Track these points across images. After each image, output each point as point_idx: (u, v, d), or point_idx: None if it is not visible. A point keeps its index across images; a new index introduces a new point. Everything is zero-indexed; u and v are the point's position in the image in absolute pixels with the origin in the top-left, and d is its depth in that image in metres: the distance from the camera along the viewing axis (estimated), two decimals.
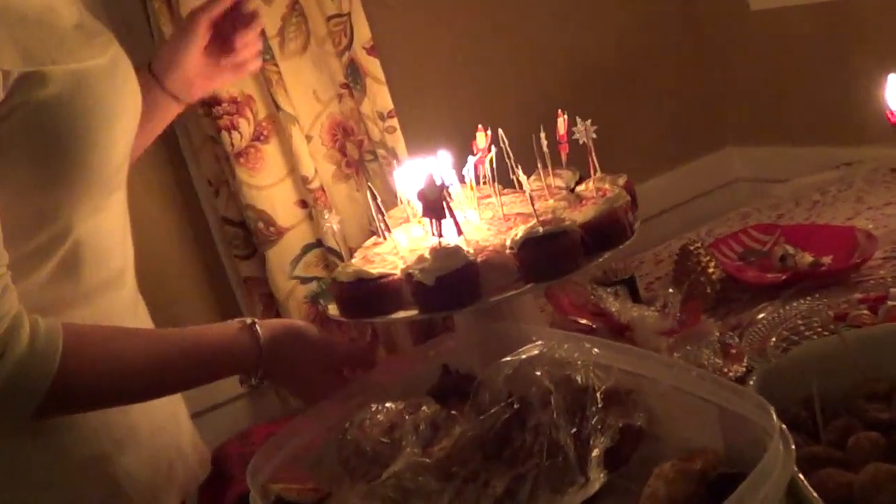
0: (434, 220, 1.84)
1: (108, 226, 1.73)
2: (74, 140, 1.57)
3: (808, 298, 2.12)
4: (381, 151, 2.65)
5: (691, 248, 2.31)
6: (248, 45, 2.02)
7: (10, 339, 1.44)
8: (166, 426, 1.87)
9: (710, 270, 2.26)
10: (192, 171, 2.68)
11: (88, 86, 1.59)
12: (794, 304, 2.11)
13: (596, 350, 1.60)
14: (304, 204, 2.59)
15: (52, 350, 1.47)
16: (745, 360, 1.88)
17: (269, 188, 2.55)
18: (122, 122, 1.68)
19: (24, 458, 1.64)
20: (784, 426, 1.31)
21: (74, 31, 1.64)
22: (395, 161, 2.59)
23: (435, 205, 1.83)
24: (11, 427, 1.60)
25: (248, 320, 1.74)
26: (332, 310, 1.97)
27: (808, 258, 2.31)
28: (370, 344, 2.01)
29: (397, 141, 2.64)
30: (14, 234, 1.55)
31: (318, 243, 2.61)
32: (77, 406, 1.60)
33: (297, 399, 1.95)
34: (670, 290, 2.04)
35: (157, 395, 1.74)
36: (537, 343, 1.62)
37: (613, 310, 2.01)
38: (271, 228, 2.54)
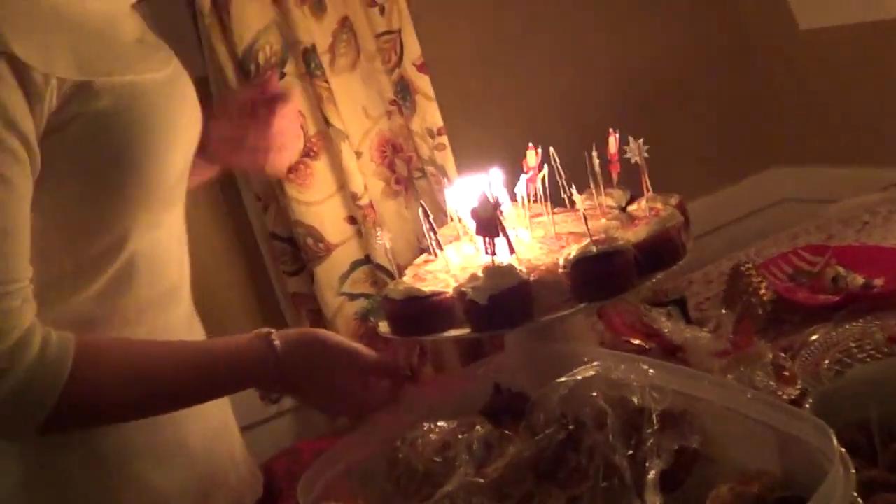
0: (487, 239, 1.83)
1: (164, 240, 1.73)
2: (131, 151, 1.56)
3: (861, 321, 2.11)
4: (430, 168, 2.65)
5: (742, 268, 2.30)
6: (282, 131, 1.96)
7: (20, 350, 1.43)
8: (218, 439, 1.86)
9: (762, 291, 2.25)
10: (240, 186, 2.69)
11: (145, 98, 1.59)
12: (847, 326, 2.10)
13: (652, 371, 1.59)
14: (353, 220, 2.59)
15: (62, 361, 1.46)
16: (799, 383, 1.87)
17: (318, 204, 2.55)
18: (181, 134, 1.68)
19: (69, 472, 1.64)
20: (843, 450, 1.30)
21: (134, 45, 1.65)
22: (444, 178, 2.59)
23: (488, 223, 1.82)
24: (57, 440, 1.61)
25: (265, 330, 1.71)
26: (383, 327, 1.97)
27: (859, 280, 2.30)
28: (403, 355, 1.99)
29: (447, 158, 2.64)
30: (66, 246, 1.56)
31: (367, 260, 2.61)
32: (88, 419, 1.59)
33: (319, 411, 1.93)
34: (723, 311, 2.04)
35: (172, 409, 1.70)
36: (593, 364, 1.62)
37: (666, 330, 2.00)
38: (320, 244, 2.55)
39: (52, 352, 1.46)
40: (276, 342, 1.69)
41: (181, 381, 1.63)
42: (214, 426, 1.85)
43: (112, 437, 1.66)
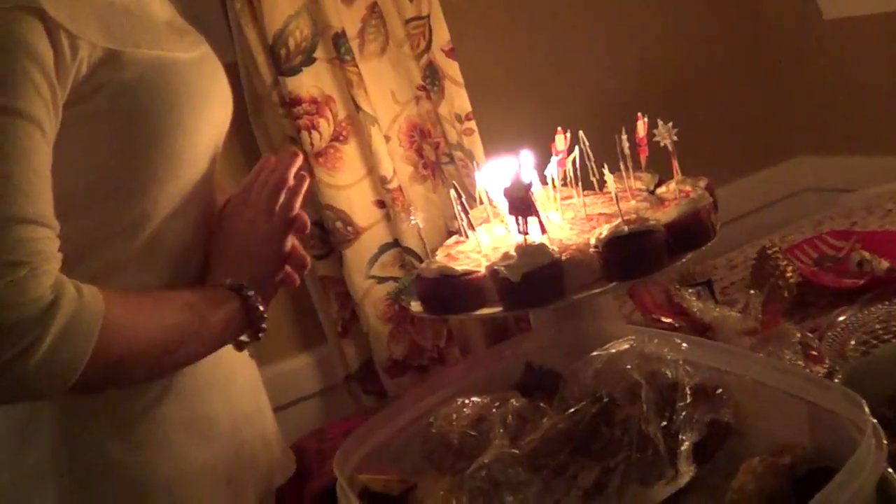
0: (519, 218, 1.85)
1: (191, 216, 1.74)
2: (157, 120, 1.58)
3: (886, 303, 2.13)
4: (457, 153, 2.66)
5: (769, 251, 2.32)
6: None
7: (61, 290, 1.42)
8: (248, 421, 1.88)
9: (788, 274, 2.27)
10: None
11: (173, 72, 1.61)
12: (873, 308, 2.12)
13: (685, 346, 1.61)
14: (381, 204, 2.61)
15: (98, 305, 1.46)
16: (826, 362, 1.89)
17: (347, 188, 2.57)
18: (209, 111, 1.69)
19: (100, 440, 1.65)
20: (875, 421, 1.32)
21: (163, 26, 1.66)
22: (471, 163, 2.61)
23: (521, 202, 1.85)
24: (88, 409, 1.63)
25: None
26: (415, 306, 1.99)
27: (884, 264, 2.32)
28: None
29: (475, 143, 2.65)
30: (95, 215, 1.58)
31: (395, 243, 2.63)
32: (116, 372, 1.55)
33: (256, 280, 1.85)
34: (752, 292, 2.05)
35: (187, 358, 1.68)
36: (627, 338, 1.64)
37: (695, 309, 2.02)
38: (349, 228, 2.56)
39: (88, 298, 1.45)
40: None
41: (188, 324, 1.64)
42: (245, 409, 1.86)
43: (142, 406, 1.68)
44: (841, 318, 2.11)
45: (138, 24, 1.60)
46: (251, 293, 1.70)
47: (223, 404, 1.80)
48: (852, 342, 2.00)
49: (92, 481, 1.65)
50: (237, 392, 1.84)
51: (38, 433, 1.62)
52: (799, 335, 1.95)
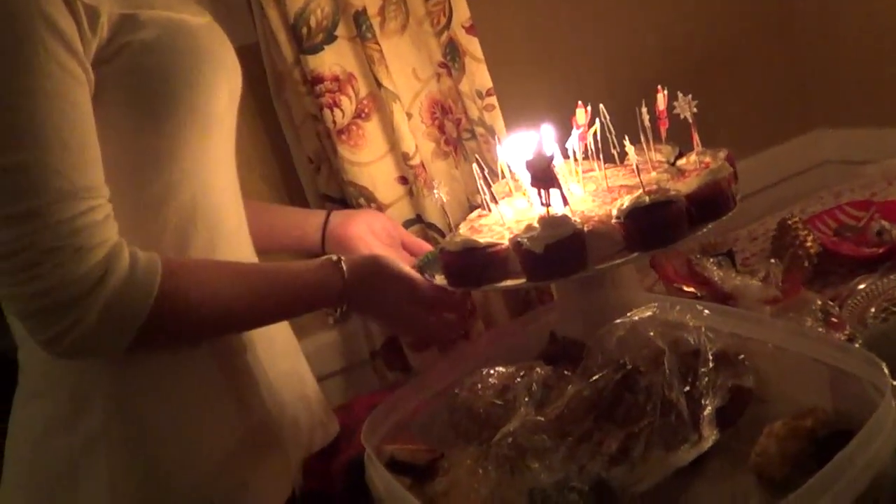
0: (542, 190, 1.87)
1: (219, 184, 1.79)
2: (177, 78, 1.64)
3: None
4: (479, 129, 2.67)
5: (789, 222, 2.34)
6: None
7: (111, 265, 1.49)
8: (290, 381, 1.92)
9: (808, 244, 2.29)
10: (292, 148, 2.71)
11: (188, 33, 1.68)
12: (892, 276, 2.14)
13: (707, 312, 1.63)
14: (404, 180, 2.62)
15: (151, 277, 1.54)
16: (847, 329, 1.91)
17: (370, 165, 2.58)
18: (224, 72, 1.76)
19: (151, 419, 1.70)
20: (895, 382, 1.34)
21: None
22: (492, 139, 2.62)
23: (543, 174, 1.86)
24: (137, 379, 1.68)
25: (334, 257, 1.83)
26: (439, 279, 2.00)
27: None
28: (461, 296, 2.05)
29: (496, 119, 2.66)
30: (125, 185, 1.62)
31: (418, 219, 2.64)
32: (175, 334, 1.67)
33: (383, 327, 2.02)
34: (772, 261, 2.07)
35: (249, 326, 1.80)
36: (650, 305, 1.66)
37: (717, 278, 2.04)
38: (372, 204, 2.57)
39: (142, 266, 1.53)
40: (344, 265, 1.81)
41: (258, 296, 1.73)
42: (285, 371, 1.91)
43: (189, 375, 1.73)
44: (861, 287, 2.12)
45: None
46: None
47: (264, 367, 1.86)
48: (872, 309, 2.02)
49: (142, 449, 1.70)
50: (276, 354, 1.89)
51: (90, 403, 1.67)
52: (819, 303, 1.97)
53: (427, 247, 2.33)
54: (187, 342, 1.71)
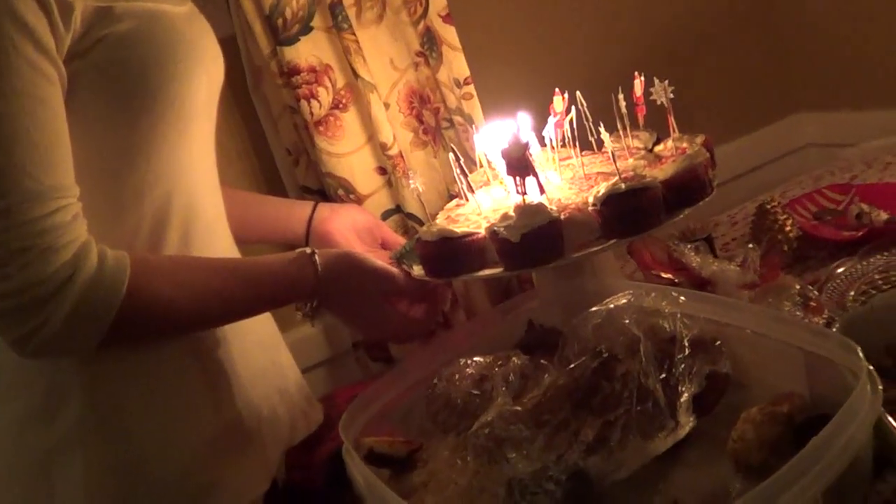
0: (518, 179, 1.87)
1: (197, 176, 1.78)
2: (153, 71, 1.62)
3: (885, 254, 2.14)
4: (457, 118, 2.67)
5: (768, 206, 2.34)
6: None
7: (79, 265, 1.49)
8: (267, 374, 1.92)
9: (788, 228, 2.29)
10: (270, 140, 2.71)
11: (165, 23, 1.65)
12: (871, 259, 2.13)
13: (682, 299, 1.62)
14: (382, 171, 2.61)
15: (119, 276, 1.53)
16: (826, 313, 1.90)
17: (348, 156, 2.57)
18: (203, 63, 1.74)
19: (126, 403, 1.70)
20: (871, 367, 1.34)
21: None
22: (471, 127, 2.61)
23: (519, 163, 1.86)
24: (114, 373, 1.67)
25: (308, 250, 1.81)
26: (417, 270, 2.00)
27: (883, 215, 2.33)
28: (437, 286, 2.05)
29: (474, 107, 2.65)
30: (102, 180, 1.62)
31: (397, 209, 2.63)
32: (145, 332, 1.66)
33: (356, 331, 2.01)
34: (750, 246, 2.07)
35: (221, 322, 1.79)
36: (625, 293, 1.65)
37: (694, 264, 2.04)
38: (351, 196, 2.57)
39: (110, 265, 1.52)
40: (317, 259, 1.80)
41: (230, 292, 1.71)
42: (262, 364, 1.91)
43: (165, 372, 1.73)
44: (840, 270, 2.12)
45: None
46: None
47: (241, 362, 1.85)
48: (851, 293, 2.01)
49: (117, 445, 1.69)
50: (254, 348, 1.88)
51: (65, 399, 1.67)
52: (798, 287, 1.97)
53: None
54: (158, 339, 1.70)
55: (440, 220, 2.11)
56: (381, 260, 1.95)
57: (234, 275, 1.73)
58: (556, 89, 2.14)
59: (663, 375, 1.50)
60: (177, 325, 1.68)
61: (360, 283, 1.86)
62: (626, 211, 1.82)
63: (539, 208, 1.82)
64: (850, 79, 3.57)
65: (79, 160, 1.55)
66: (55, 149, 1.49)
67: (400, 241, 2.33)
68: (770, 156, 3.71)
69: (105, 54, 1.56)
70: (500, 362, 1.73)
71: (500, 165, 2.01)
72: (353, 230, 2.25)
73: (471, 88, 2.66)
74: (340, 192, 2.56)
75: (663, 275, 2.11)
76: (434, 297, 2.00)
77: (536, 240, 1.80)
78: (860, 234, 2.28)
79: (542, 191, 1.92)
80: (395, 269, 1.95)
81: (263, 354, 1.93)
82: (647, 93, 2.09)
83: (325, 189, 2.61)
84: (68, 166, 1.51)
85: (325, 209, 2.28)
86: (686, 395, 1.49)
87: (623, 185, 1.80)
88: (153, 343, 1.70)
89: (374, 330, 1.99)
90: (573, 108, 2.09)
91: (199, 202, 1.79)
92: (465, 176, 2.09)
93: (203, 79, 1.73)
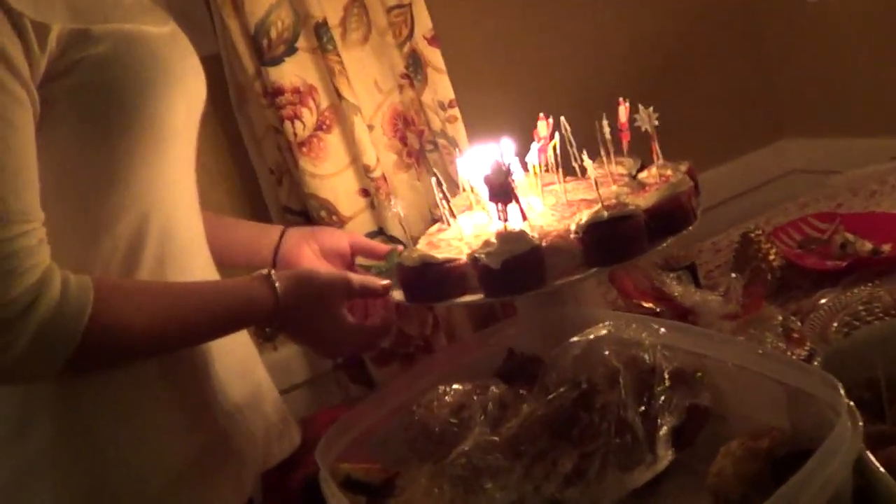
0: (500, 205, 1.86)
1: (175, 199, 1.76)
2: (131, 93, 1.59)
3: (869, 285, 2.13)
4: (441, 141, 2.66)
5: (752, 235, 2.32)
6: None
7: (42, 290, 1.45)
8: (245, 397, 1.90)
9: (771, 257, 2.28)
10: (254, 160, 2.70)
11: (145, 44, 1.62)
12: (855, 290, 2.12)
13: (663, 330, 1.61)
14: (365, 193, 2.60)
15: (83, 301, 1.50)
16: (808, 345, 1.89)
17: (331, 177, 2.56)
18: (183, 84, 1.71)
19: (98, 424, 1.67)
20: (851, 403, 1.33)
21: (132, 3, 1.67)
22: (455, 150, 2.60)
23: (501, 189, 1.85)
24: (84, 394, 1.65)
25: (265, 271, 1.79)
26: (397, 294, 1.99)
27: (867, 245, 2.33)
28: (417, 324, 2.03)
29: (458, 130, 2.65)
30: (79, 202, 1.60)
31: (380, 231, 2.62)
32: (107, 358, 1.62)
33: (312, 349, 1.99)
34: (733, 276, 2.06)
35: (182, 346, 1.75)
36: (605, 323, 1.64)
37: (676, 294, 2.02)
38: (334, 217, 2.56)
39: (73, 290, 1.49)
40: (276, 283, 1.77)
41: (187, 315, 1.68)
42: (240, 389, 1.89)
43: (138, 394, 1.70)
44: (823, 301, 2.11)
45: (104, 0, 1.61)
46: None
47: (216, 383, 1.82)
48: (835, 324, 2.00)
49: (89, 468, 1.66)
50: (230, 369, 1.86)
51: (35, 422, 1.64)
52: (780, 318, 1.96)
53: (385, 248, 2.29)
54: (121, 364, 1.68)
55: (422, 245, 2.10)
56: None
57: (195, 298, 1.71)
58: (541, 114, 2.13)
59: (643, 408, 1.49)
60: (140, 349, 1.65)
61: (317, 297, 1.83)
62: (609, 239, 1.81)
63: (520, 235, 1.81)
64: (837, 105, 3.58)
65: (56, 181, 1.53)
66: (23, 173, 1.46)
67: (378, 246, 2.30)
68: (756, 182, 3.71)
69: (82, 77, 1.54)
70: (478, 391, 1.71)
71: (483, 191, 1.99)
72: (321, 254, 2.22)
73: (455, 111, 2.65)
74: (323, 213, 2.55)
75: (644, 304, 2.09)
76: (391, 306, 1.98)
77: (517, 267, 1.80)
78: (844, 264, 2.27)
79: (524, 217, 1.91)
80: (345, 272, 1.93)
81: (240, 375, 1.90)
82: (631, 119, 2.08)
83: (308, 210, 2.60)
84: (35, 191, 1.49)
85: (293, 234, 2.23)
86: (665, 427, 1.48)
87: (605, 214, 1.79)
88: (124, 364, 1.68)
89: (334, 348, 1.97)
90: (557, 133, 2.08)
91: (177, 224, 1.77)
92: (448, 201, 2.08)
93: (182, 101, 1.71)
